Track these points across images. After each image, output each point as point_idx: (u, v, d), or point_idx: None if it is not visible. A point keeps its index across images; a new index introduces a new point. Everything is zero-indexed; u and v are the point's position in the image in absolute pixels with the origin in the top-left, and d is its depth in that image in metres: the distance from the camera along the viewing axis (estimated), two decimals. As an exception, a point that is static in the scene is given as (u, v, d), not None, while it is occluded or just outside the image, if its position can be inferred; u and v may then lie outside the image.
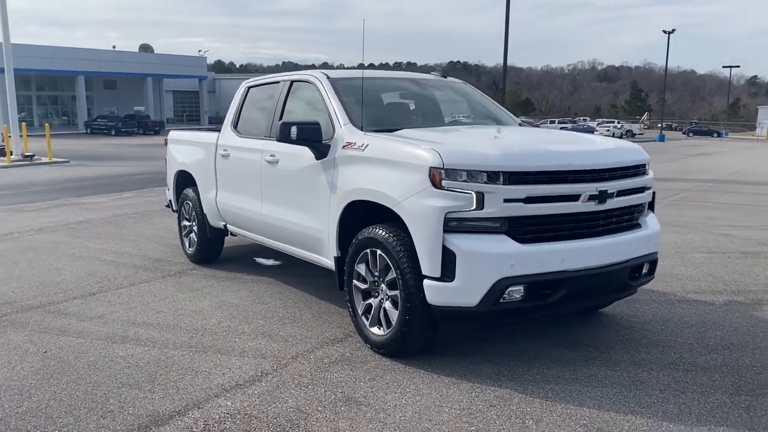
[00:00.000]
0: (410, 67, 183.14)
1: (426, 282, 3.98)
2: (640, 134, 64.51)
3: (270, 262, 7.41)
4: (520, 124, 5.76)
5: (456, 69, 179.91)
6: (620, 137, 59.06)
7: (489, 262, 3.86)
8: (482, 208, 3.87)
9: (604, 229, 4.25)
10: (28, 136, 25.54)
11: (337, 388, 3.92)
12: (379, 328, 4.41)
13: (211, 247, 7.17)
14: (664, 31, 52.84)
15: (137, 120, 51.09)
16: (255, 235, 6.20)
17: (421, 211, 3.96)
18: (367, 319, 4.52)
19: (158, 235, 8.98)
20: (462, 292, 3.89)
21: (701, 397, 3.79)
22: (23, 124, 26.33)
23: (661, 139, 53.32)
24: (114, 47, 62.75)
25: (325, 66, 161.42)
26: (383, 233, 4.25)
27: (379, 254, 4.30)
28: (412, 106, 5.68)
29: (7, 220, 10.55)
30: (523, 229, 3.98)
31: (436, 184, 3.93)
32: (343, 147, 4.73)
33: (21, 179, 18.16)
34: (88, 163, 23.87)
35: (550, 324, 5.06)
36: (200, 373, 4.18)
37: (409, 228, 4.07)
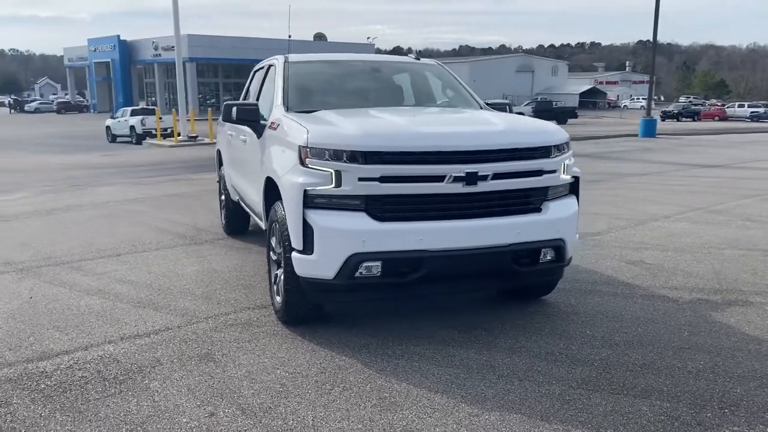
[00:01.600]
0: (593, 47, 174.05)
1: (293, 254, 4.24)
2: None
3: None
4: (481, 107, 5.67)
5: (646, 48, 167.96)
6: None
7: (341, 238, 4.03)
8: (340, 186, 4.05)
9: (477, 211, 4.19)
10: (213, 119, 28.43)
11: (207, 345, 4.33)
12: (279, 297, 4.74)
13: (236, 220, 7.82)
14: None
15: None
16: (246, 208, 6.75)
17: (289, 187, 4.23)
18: (275, 288, 4.86)
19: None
20: (320, 265, 4.11)
21: (533, 386, 3.68)
22: (192, 109, 29.48)
23: None
24: (290, 37, 66.95)
25: (501, 48, 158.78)
26: (279, 208, 4.55)
27: (278, 228, 4.62)
28: (358, 89, 5.78)
29: (118, 191, 12.17)
30: (382, 208, 4.08)
31: (302, 162, 4.17)
32: (269, 127, 5.08)
33: (174, 157, 20.50)
34: (240, 144, 25.93)
35: (471, 306, 5.04)
36: (119, 323, 4.80)
37: (283, 202, 4.35)
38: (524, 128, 4.56)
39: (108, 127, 31.93)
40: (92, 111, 64.51)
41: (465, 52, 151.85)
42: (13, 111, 68.73)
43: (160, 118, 29.08)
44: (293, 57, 5.85)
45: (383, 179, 4.03)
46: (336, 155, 4.05)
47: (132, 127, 29.85)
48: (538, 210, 4.41)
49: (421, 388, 3.66)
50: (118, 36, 58.90)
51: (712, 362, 4.00)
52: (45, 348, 4.33)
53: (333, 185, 4.06)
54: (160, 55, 57.45)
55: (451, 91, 5.91)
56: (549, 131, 4.54)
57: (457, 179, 4.07)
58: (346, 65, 6.15)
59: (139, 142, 29.04)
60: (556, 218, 4.42)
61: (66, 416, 3.38)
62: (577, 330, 4.57)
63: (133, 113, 30.71)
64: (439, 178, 4.07)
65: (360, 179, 4.02)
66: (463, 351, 4.20)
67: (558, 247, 4.46)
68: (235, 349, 4.27)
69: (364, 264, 4.06)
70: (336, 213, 4.09)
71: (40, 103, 69.43)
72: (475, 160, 4.13)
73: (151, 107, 36.40)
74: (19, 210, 10.23)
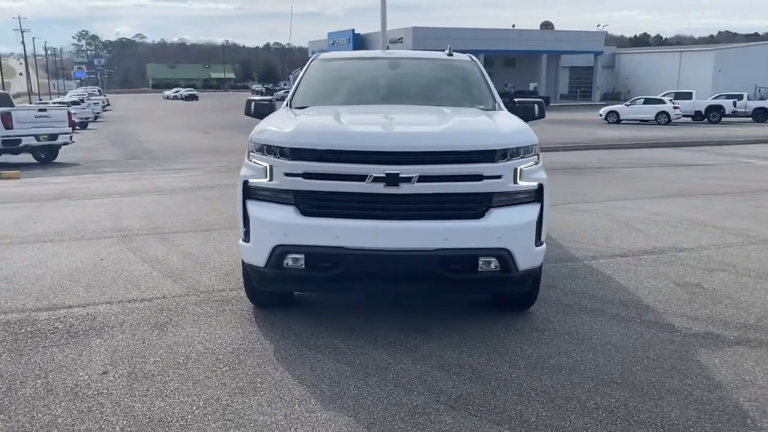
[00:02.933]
0: None
1: (239, 241, 4.56)
2: None
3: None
4: (495, 107, 5.39)
5: None
6: None
7: (267, 229, 4.26)
8: (272, 180, 4.28)
9: (399, 213, 4.12)
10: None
11: (173, 315, 4.84)
12: None
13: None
14: None
15: (524, 96, 53.73)
16: None
17: (239, 179, 4.54)
18: None
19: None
20: (254, 253, 4.38)
21: (401, 394, 3.58)
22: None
23: None
24: (513, 26, 66.13)
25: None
26: None
27: None
28: (366, 86, 5.78)
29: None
30: (308, 203, 4.22)
31: (248, 155, 4.47)
32: None
33: None
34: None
35: (444, 311, 4.91)
36: (135, 288, 5.52)
37: None
38: (466, 131, 4.35)
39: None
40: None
41: (724, 38, 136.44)
42: (264, 98, 77.42)
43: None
44: (325, 55, 6.11)
45: (306, 175, 4.17)
46: (270, 151, 4.28)
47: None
48: (479, 216, 4.19)
49: (294, 379, 3.78)
50: (353, 30, 63.09)
51: (623, 401, 3.51)
52: (59, 301, 5.18)
53: (267, 179, 4.29)
54: (387, 47, 60.47)
55: (467, 88, 5.73)
56: (497, 134, 4.27)
57: (377, 180, 4.05)
58: (369, 62, 6.25)
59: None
60: (498, 226, 4.16)
61: (8, 356, 4.11)
62: (519, 348, 4.26)
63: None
64: (361, 178, 4.08)
65: (286, 174, 4.21)
66: (378, 351, 4.18)
67: (501, 256, 4.19)
68: (191, 321, 4.72)
69: (290, 256, 4.23)
70: (268, 205, 4.32)
71: (285, 92, 77.19)
72: (398, 162, 4.06)
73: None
74: (177, 185, 11.85)
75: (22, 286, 5.57)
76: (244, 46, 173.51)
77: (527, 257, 4.31)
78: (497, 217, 4.20)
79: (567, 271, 6.06)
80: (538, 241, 4.38)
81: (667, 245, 7.06)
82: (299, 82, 5.73)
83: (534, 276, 4.57)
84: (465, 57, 6.13)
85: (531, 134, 4.38)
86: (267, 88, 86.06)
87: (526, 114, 5.53)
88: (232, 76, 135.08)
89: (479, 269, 4.22)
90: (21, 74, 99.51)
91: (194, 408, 3.45)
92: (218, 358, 4.08)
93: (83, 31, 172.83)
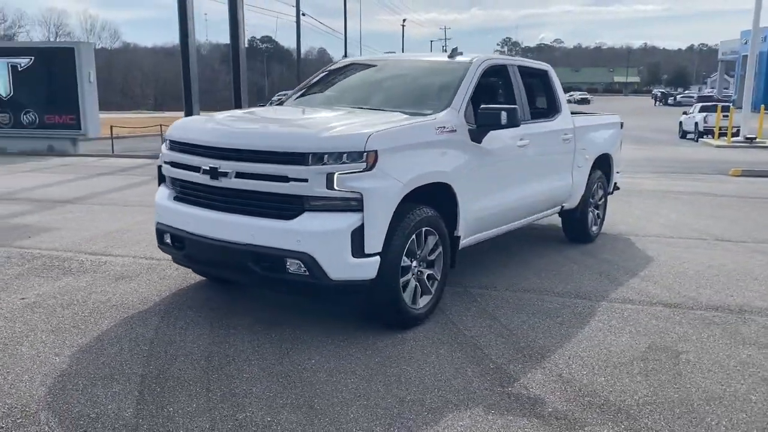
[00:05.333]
0: None
1: None
2: None
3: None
4: (430, 112, 4.91)
5: None
6: None
7: (155, 208, 4.95)
8: (163, 166, 4.96)
9: (221, 204, 4.36)
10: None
11: (144, 273, 5.82)
12: None
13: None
14: None
15: None
16: None
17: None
18: None
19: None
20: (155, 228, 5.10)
21: (144, 365, 3.90)
22: (762, 107, 26.33)
23: None
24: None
25: None
26: None
27: None
28: (342, 89, 5.99)
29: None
30: (175, 189, 4.82)
31: None
32: None
33: (701, 157, 19.18)
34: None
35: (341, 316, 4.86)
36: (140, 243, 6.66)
37: None
38: (283, 133, 4.41)
39: (680, 123, 31.54)
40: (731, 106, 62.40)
41: None
42: (658, 103, 72.74)
43: (725, 116, 27.10)
44: (344, 60, 6.47)
45: (171, 164, 4.75)
46: (163, 140, 4.97)
47: (696, 124, 28.85)
48: (289, 218, 4.14)
49: (107, 334, 4.37)
50: (768, 27, 54.62)
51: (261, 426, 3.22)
52: (113, 251, 6.60)
53: (163, 165, 4.98)
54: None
55: (431, 91, 5.40)
56: (312, 138, 4.13)
57: (205, 172, 4.39)
58: (363, 67, 6.35)
59: (698, 140, 27.95)
60: (300, 230, 4.07)
61: (7, 277, 5.62)
62: (307, 357, 4.03)
63: (702, 109, 29.58)
64: (197, 169, 4.47)
65: (164, 162, 4.84)
66: (212, 333, 4.43)
67: (304, 261, 4.09)
68: (146, 279, 5.63)
69: (165, 234, 4.84)
70: (163, 188, 5.02)
71: (682, 97, 70.89)
72: (219, 157, 4.33)
73: (713, 103, 33.45)
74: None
75: (119, 238, 7.23)
76: (664, 48, 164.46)
77: (339, 266, 4.08)
78: (304, 220, 4.10)
79: (554, 307, 5.13)
80: (359, 252, 4.08)
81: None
82: (310, 81, 6.18)
83: (370, 289, 4.25)
84: (465, 60, 5.59)
85: (361, 140, 4.07)
86: (663, 92, 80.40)
87: (490, 121, 4.98)
88: (635, 79, 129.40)
89: (288, 271, 4.18)
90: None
91: (7, 333, 4.38)
92: (97, 308, 4.92)
93: (507, 38, 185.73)
